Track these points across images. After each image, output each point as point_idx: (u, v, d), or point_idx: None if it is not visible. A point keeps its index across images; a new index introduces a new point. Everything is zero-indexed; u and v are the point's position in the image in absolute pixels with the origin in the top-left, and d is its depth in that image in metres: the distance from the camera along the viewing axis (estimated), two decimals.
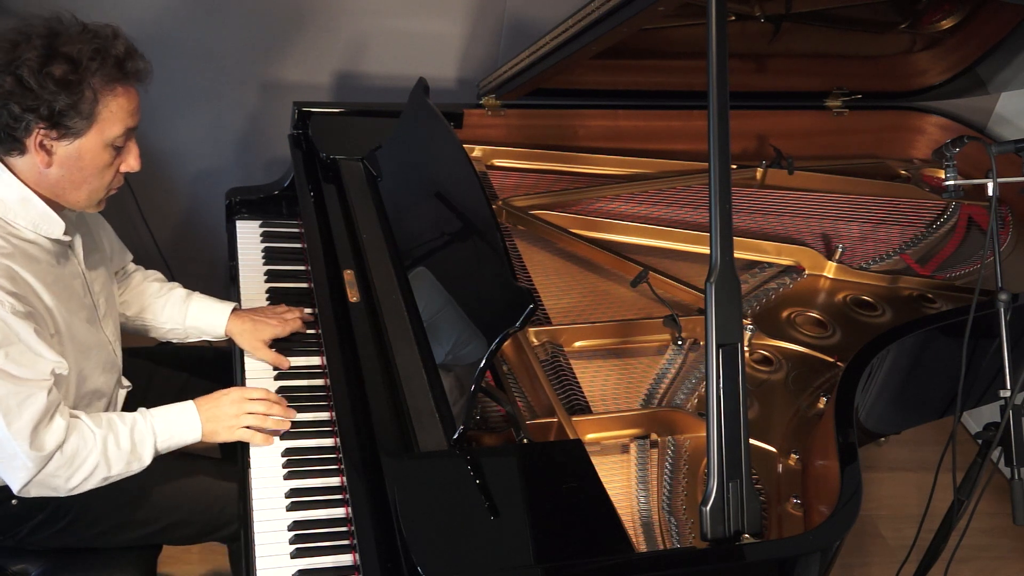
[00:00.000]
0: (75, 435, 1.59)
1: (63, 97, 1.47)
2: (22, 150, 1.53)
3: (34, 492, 1.60)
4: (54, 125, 1.50)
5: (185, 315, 1.96)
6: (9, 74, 1.46)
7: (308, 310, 2.01)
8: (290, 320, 1.97)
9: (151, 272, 2.03)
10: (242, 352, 1.95)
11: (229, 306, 1.98)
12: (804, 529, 1.57)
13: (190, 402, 1.73)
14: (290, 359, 1.93)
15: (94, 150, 1.55)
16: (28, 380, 1.52)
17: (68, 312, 1.65)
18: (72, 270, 1.69)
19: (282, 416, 1.77)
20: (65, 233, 1.62)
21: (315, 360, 1.95)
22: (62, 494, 1.62)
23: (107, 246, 1.88)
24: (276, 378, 1.89)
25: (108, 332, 1.79)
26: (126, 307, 1.96)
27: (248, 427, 1.74)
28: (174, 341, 2.02)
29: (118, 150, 1.59)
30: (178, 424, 1.70)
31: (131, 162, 1.63)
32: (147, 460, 1.67)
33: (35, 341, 1.53)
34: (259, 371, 1.92)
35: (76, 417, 1.61)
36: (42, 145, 1.52)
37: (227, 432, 1.73)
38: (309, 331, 2.01)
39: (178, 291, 1.99)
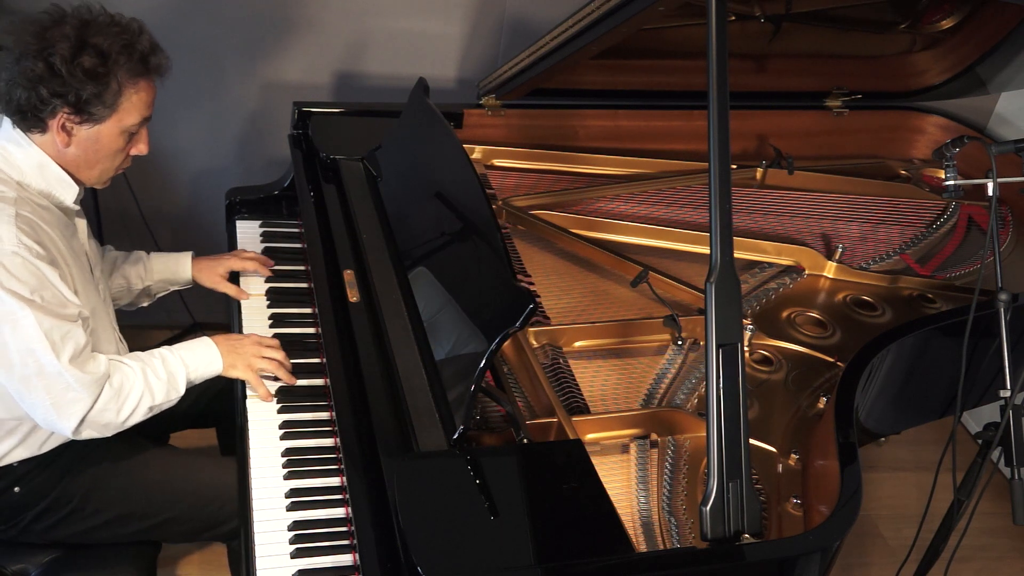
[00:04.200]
0: (116, 371, 1.68)
1: (91, 87, 1.57)
2: (44, 129, 1.62)
3: (87, 432, 1.66)
4: (78, 111, 1.59)
5: (151, 270, 2.07)
6: (41, 60, 1.54)
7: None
8: (245, 258, 2.12)
9: (104, 246, 2.08)
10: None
11: (187, 254, 2.11)
12: (804, 529, 1.57)
13: (206, 338, 1.84)
14: (289, 359, 1.93)
15: (111, 135, 1.65)
16: (65, 316, 1.60)
17: (81, 276, 1.71)
18: (78, 245, 1.76)
19: (285, 381, 1.85)
20: (75, 202, 1.71)
21: (315, 360, 1.95)
22: (112, 431, 1.69)
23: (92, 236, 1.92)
24: (276, 379, 1.88)
25: (111, 317, 1.85)
26: None
27: (257, 372, 1.83)
28: (145, 304, 2.12)
29: (132, 136, 1.69)
30: (203, 356, 1.80)
31: (141, 147, 1.74)
32: (182, 389, 1.76)
33: (62, 285, 1.61)
34: None
35: (111, 358, 1.70)
36: (64, 127, 1.61)
37: (243, 368, 1.82)
38: (309, 331, 2.01)
39: (137, 252, 2.10)
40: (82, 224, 1.79)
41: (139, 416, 1.70)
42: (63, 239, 1.68)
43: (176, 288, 2.15)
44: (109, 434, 1.69)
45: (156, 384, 1.72)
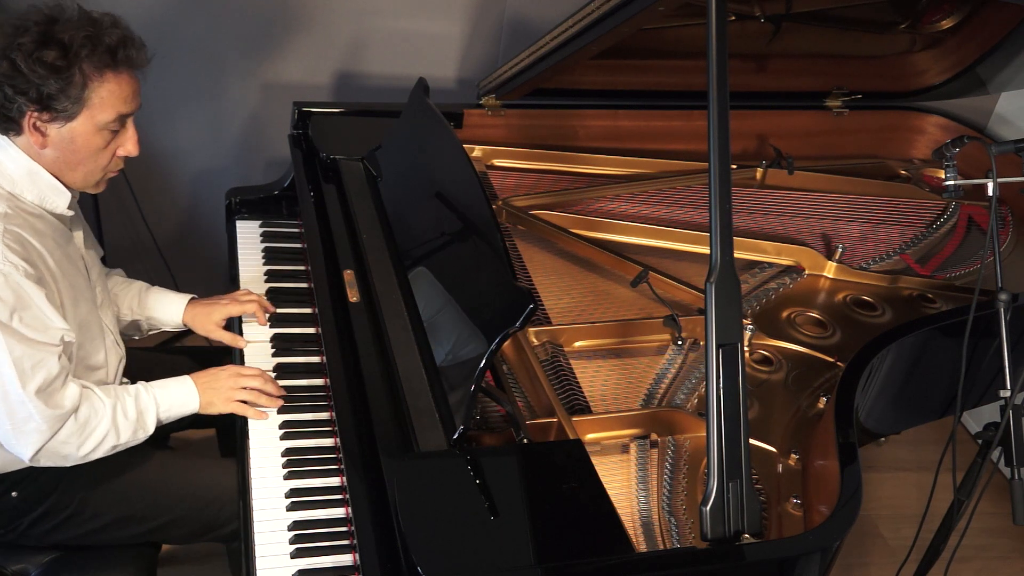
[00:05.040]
0: (86, 404, 1.64)
1: (52, 81, 1.52)
2: (18, 130, 1.58)
3: (44, 461, 1.63)
4: (44, 108, 1.54)
5: (144, 305, 2.00)
6: (5, 58, 1.51)
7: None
8: (244, 301, 2.01)
9: (113, 269, 2.05)
10: (240, 330, 1.99)
11: (187, 297, 2.02)
12: (804, 529, 1.57)
13: (186, 376, 1.80)
14: (291, 359, 1.93)
15: (86, 134, 1.59)
16: (41, 344, 1.56)
17: (73, 289, 1.68)
18: (74, 251, 1.73)
19: (275, 394, 1.82)
20: (69, 208, 1.67)
21: (315, 360, 1.95)
22: (70, 463, 1.66)
23: (90, 233, 1.90)
24: (276, 378, 1.88)
25: (107, 320, 1.81)
26: None
27: (243, 401, 1.79)
28: (136, 338, 2.05)
29: (114, 134, 1.63)
30: (177, 395, 1.76)
31: (128, 147, 1.67)
32: (151, 429, 1.73)
33: (46, 306, 1.57)
34: (257, 363, 1.92)
35: (87, 387, 1.66)
36: (35, 127, 1.57)
37: (223, 403, 1.78)
38: (309, 331, 2.01)
39: (138, 283, 2.03)
40: (78, 230, 1.76)
41: (100, 453, 1.67)
42: (58, 248, 1.65)
43: (167, 330, 2.04)
44: (68, 464, 1.66)
45: (123, 424, 1.68)
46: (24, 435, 1.58)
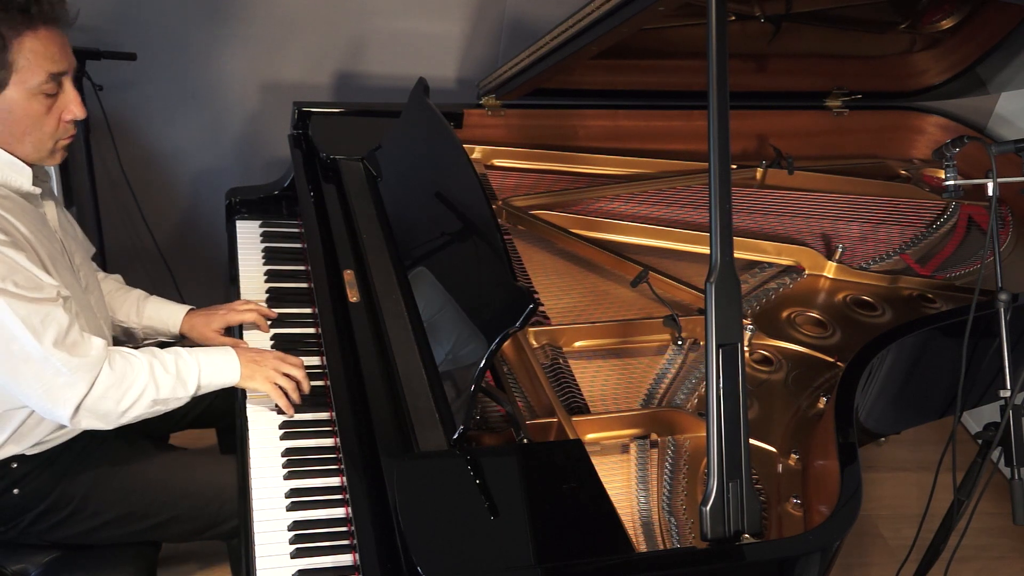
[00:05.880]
0: (119, 356, 1.62)
1: None
2: None
3: (85, 422, 1.61)
4: None
5: (142, 313, 1.97)
6: None
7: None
8: (242, 310, 1.98)
9: (112, 274, 2.03)
10: (241, 337, 1.97)
11: (185, 307, 2.00)
12: (804, 529, 1.57)
13: (228, 347, 1.78)
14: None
15: (21, 101, 1.54)
16: (42, 300, 1.53)
17: (51, 259, 1.63)
18: (49, 232, 1.68)
19: (307, 393, 1.81)
20: (34, 185, 1.62)
21: (315, 360, 1.95)
22: (112, 423, 1.63)
23: (77, 228, 1.89)
24: None
25: (93, 303, 1.78)
26: None
27: (279, 386, 1.77)
28: (128, 345, 1.99)
29: (51, 97, 1.57)
30: (219, 362, 1.74)
31: (73, 108, 1.61)
32: (192, 389, 1.70)
33: (31, 266, 1.54)
34: None
35: (117, 349, 1.64)
36: None
37: (263, 381, 1.76)
38: (309, 331, 2.01)
39: (137, 291, 2.01)
40: (51, 209, 1.71)
41: (141, 408, 1.64)
42: (31, 226, 1.61)
43: (163, 339, 2.02)
44: (110, 426, 1.64)
45: (163, 378, 1.65)
46: (58, 391, 1.55)
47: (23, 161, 1.61)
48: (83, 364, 1.56)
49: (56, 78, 1.56)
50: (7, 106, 1.54)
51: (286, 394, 1.77)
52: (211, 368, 1.73)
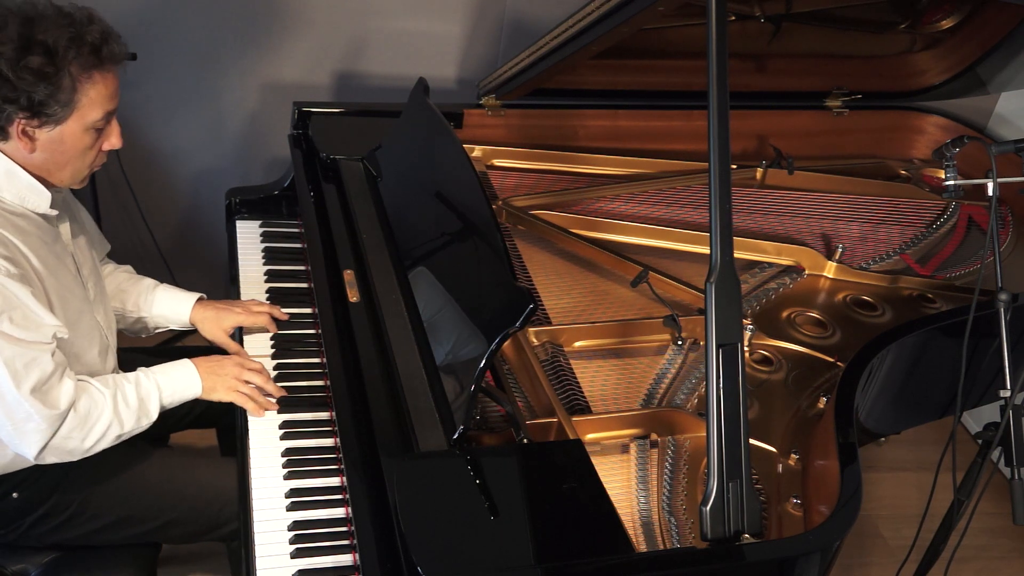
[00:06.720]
0: (85, 396, 1.63)
1: (42, 88, 1.48)
2: (5, 137, 1.55)
3: (50, 458, 1.63)
4: (35, 114, 1.51)
5: (152, 303, 1.98)
6: None
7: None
8: (256, 312, 1.98)
9: (122, 265, 2.04)
10: (241, 339, 1.97)
11: (194, 296, 2.00)
12: (804, 529, 1.57)
13: (186, 360, 1.79)
14: (291, 359, 1.93)
15: (75, 134, 1.57)
16: (32, 343, 1.54)
17: (60, 286, 1.65)
18: (61, 249, 1.70)
19: (274, 395, 1.82)
20: (53, 207, 1.63)
21: (315, 360, 1.95)
22: (77, 457, 1.65)
23: (91, 230, 1.89)
24: (276, 378, 1.88)
25: (99, 316, 1.79)
26: None
27: (243, 393, 1.79)
28: (143, 336, 2.04)
29: (99, 131, 1.61)
30: (179, 379, 1.76)
31: (113, 140, 1.64)
32: (154, 415, 1.72)
33: (34, 304, 1.55)
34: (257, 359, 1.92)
35: (83, 380, 1.65)
36: (24, 132, 1.54)
37: (225, 391, 1.78)
38: (309, 331, 2.01)
39: (147, 281, 2.01)
40: (65, 227, 1.73)
41: (105, 443, 1.66)
42: (43, 245, 1.62)
43: (174, 328, 2.03)
44: (75, 459, 1.66)
45: (125, 413, 1.67)
46: (26, 435, 1.57)
47: (54, 185, 1.63)
48: (53, 415, 1.58)
49: (109, 115, 1.60)
50: (60, 138, 1.56)
51: (253, 399, 1.79)
52: (171, 387, 1.74)
